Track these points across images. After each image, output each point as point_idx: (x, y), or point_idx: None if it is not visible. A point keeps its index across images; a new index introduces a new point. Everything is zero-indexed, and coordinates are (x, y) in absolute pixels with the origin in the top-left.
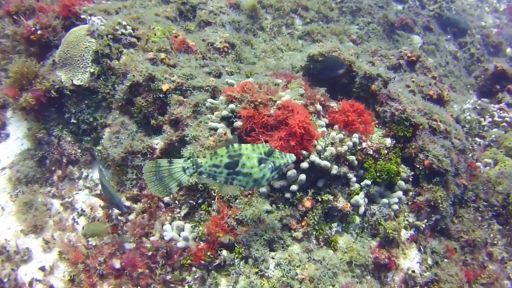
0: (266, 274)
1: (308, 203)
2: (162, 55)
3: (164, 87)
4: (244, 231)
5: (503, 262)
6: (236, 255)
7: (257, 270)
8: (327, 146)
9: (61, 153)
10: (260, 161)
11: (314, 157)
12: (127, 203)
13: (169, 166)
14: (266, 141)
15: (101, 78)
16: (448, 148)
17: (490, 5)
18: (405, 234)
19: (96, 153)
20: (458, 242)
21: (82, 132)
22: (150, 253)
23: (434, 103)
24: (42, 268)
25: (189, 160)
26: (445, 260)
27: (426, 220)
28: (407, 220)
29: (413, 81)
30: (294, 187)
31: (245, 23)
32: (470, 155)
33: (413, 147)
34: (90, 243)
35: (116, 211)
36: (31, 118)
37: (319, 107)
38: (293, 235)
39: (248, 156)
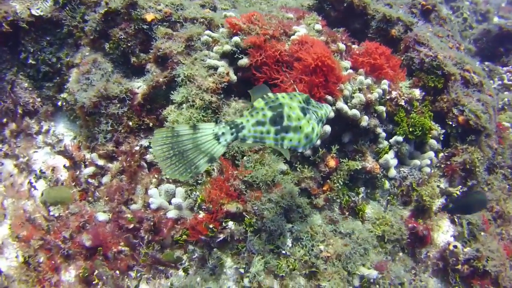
0: (284, 251)
1: (332, 162)
2: None
3: (149, 16)
4: (255, 197)
5: None
6: (247, 228)
7: (272, 247)
8: (354, 92)
9: (15, 102)
10: (303, 111)
11: (341, 104)
12: (100, 162)
13: (193, 133)
14: (281, 82)
15: (67, 8)
16: (485, 102)
17: None
18: (437, 203)
19: (60, 102)
20: (490, 212)
21: (42, 76)
22: (131, 226)
23: None
24: None
25: (223, 123)
26: (482, 233)
27: (460, 186)
28: (438, 186)
29: (431, 31)
30: (316, 142)
31: None
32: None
33: (445, 100)
34: (51, 213)
35: (85, 171)
36: None
37: (342, 45)
38: (314, 202)
39: (290, 106)
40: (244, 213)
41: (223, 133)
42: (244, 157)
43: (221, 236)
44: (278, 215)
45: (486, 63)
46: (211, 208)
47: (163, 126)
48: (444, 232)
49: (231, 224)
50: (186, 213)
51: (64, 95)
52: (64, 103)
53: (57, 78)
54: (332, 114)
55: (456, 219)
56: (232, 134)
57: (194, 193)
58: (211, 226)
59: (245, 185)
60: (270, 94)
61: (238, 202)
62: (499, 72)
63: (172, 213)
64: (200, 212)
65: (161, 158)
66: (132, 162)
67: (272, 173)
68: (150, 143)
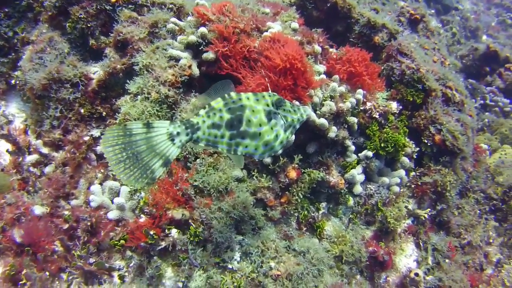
0: (230, 266)
1: (293, 173)
2: None
3: None
4: (205, 204)
5: (498, 265)
6: (191, 238)
7: (218, 260)
8: (325, 100)
9: None
10: (269, 115)
11: (309, 112)
12: (45, 150)
13: (146, 132)
14: (243, 77)
15: None
16: (465, 123)
17: None
18: (403, 225)
19: (14, 81)
20: (458, 238)
21: None
22: (67, 226)
23: None
24: None
25: (178, 122)
26: (447, 260)
27: (429, 209)
28: (406, 207)
29: (416, 42)
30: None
31: None
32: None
33: (423, 116)
34: None
35: (28, 158)
36: None
37: (317, 48)
38: (269, 215)
39: (253, 109)
40: (190, 221)
41: (178, 133)
42: (197, 160)
43: (163, 244)
44: (228, 226)
45: (470, 80)
46: (155, 213)
47: (116, 118)
48: (407, 256)
49: (174, 232)
50: (128, 214)
51: (18, 73)
52: (17, 82)
53: (12, 54)
54: (307, 117)
55: (421, 243)
56: (187, 134)
57: (138, 194)
58: (152, 232)
59: (195, 190)
60: (232, 94)
61: (185, 208)
62: (482, 91)
63: (113, 214)
64: (142, 215)
65: (113, 162)
66: (78, 154)
67: (226, 179)
68: (101, 134)
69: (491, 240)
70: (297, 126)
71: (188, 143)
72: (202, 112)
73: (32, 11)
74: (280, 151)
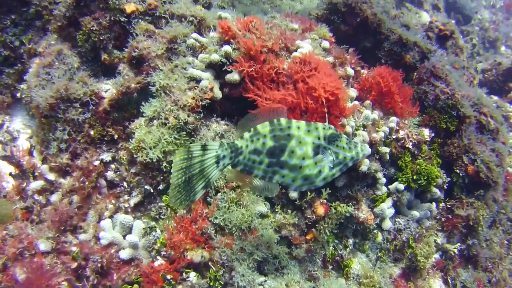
0: None
1: (321, 210)
2: None
3: (129, 7)
4: (226, 244)
5: None
6: (211, 282)
7: None
8: (357, 129)
9: None
10: (317, 149)
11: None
12: (51, 176)
13: (202, 155)
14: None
15: None
16: (500, 153)
17: None
18: (431, 260)
19: (20, 94)
20: (486, 272)
21: (2, 60)
22: (75, 265)
23: None
24: None
25: (226, 145)
26: None
27: (459, 244)
28: (434, 241)
29: (446, 61)
30: (292, 194)
31: None
32: None
33: (456, 145)
34: None
35: (32, 185)
36: None
37: (350, 70)
38: (294, 254)
39: (300, 140)
40: (210, 263)
41: (224, 156)
42: (218, 194)
43: None
44: (250, 268)
45: (494, 97)
46: (172, 255)
47: (130, 141)
48: None
49: (192, 275)
50: (142, 253)
51: (24, 85)
52: (23, 95)
53: (19, 64)
54: (366, 155)
55: (449, 280)
56: (230, 158)
57: (154, 232)
58: (169, 277)
59: (215, 228)
60: (282, 120)
61: (204, 249)
62: (507, 109)
63: (125, 253)
64: (158, 258)
65: (174, 186)
66: (87, 183)
67: (249, 217)
68: (112, 158)
69: None
70: (350, 164)
71: (228, 166)
72: (246, 135)
73: (40, 19)
74: (320, 186)
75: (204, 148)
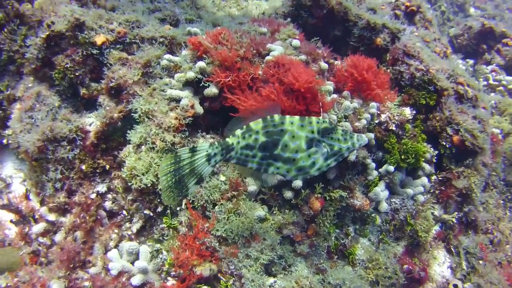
0: None
1: (317, 204)
2: None
3: (99, 39)
4: (231, 254)
5: None
6: None
7: None
8: (339, 121)
9: None
10: (310, 143)
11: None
12: (51, 217)
13: (191, 157)
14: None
15: (6, 29)
16: (482, 119)
17: None
18: (432, 233)
19: (6, 140)
20: (486, 234)
21: None
22: None
23: None
24: None
25: (216, 143)
26: (481, 261)
27: (456, 213)
28: (432, 213)
29: (416, 36)
30: (298, 183)
31: None
32: None
33: (438, 118)
34: None
35: (34, 229)
36: None
37: (324, 65)
38: (298, 251)
39: (294, 135)
40: (219, 275)
41: (215, 154)
42: (216, 207)
43: None
44: (259, 273)
45: (470, 61)
46: (182, 274)
47: (122, 169)
48: (440, 264)
49: None
50: (153, 276)
51: (9, 131)
52: (10, 141)
53: (0, 111)
54: (363, 144)
55: (452, 248)
56: (222, 155)
57: (160, 254)
58: None
59: (218, 240)
60: (275, 117)
61: (212, 262)
62: (483, 71)
63: (137, 280)
64: (169, 278)
65: (165, 188)
66: (88, 218)
67: (249, 223)
68: (108, 188)
69: None
70: (346, 154)
71: (220, 161)
72: (238, 132)
73: (14, 64)
74: (315, 174)
75: (193, 150)
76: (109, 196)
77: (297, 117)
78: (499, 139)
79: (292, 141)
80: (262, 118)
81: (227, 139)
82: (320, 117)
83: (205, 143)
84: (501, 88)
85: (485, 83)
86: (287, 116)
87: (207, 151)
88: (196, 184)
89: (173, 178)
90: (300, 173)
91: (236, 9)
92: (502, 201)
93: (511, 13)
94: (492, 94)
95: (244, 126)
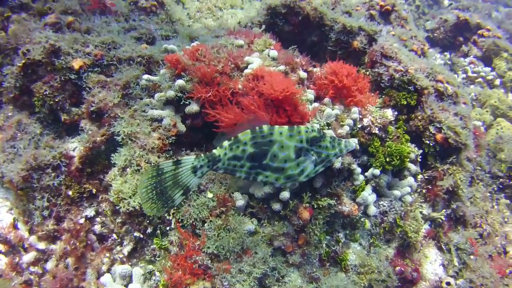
0: None
1: (306, 214)
2: (69, 18)
3: (76, 63)
4: (224, 270)
5: None
6: None
7: None
8: (323, 129)
9: None
10: (299, 152)
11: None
12: (41, 245)
13: (175, 169)
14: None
15: None
16: (463, 116)
17: None
18: (422, 232)
19: None
20: (475, 228)
21: None
22: None
23: None
24: None
25: (202, 156)
26: (472, 256)
27: (444, 210)
28: (421, 212)
29: (393, 35)
30: (285, 194)
31: None
32: None
33: (420, 117)
34: None
35: (25, 258)
36: None
37: (303, 73)
38: (290, 261)
39: (282, 145)
40: None
41: (201, 166)
42: (205, 224)
43: None
44: (252, 287)
45: (447, 55)
46: None
47: (109, 193)
48: (432, 262)
49: None
50: None
51: None
52: None
53: None
54: (351, 149)
55: (443, 246)
56: (208, 166)
57: (154, 276)
58: None
59: (210, 257)
60: (264, 127)
61: (205, 280)
62: (462, 64)
63: None
64: None
65: (144, 200)
66: (78, 243)
67: (239, 238)
68: (96, 212)
69: (506, 220)
70: (333, 160)
71: (208, 172)
72: (226, 144)
73: None
74: (304, 181)
75: (177, 163)
76: (98, 219)
77: (286, 127)
78: (482, 132)
79: (281, 151)
80: (250, 129)
81: (214, 151)
82: (309, 126)
83: (191, 157)
84: (480, 79)
85: (464, 75)
86: (276, 126)
87: (192, 163)
88: (183, 195)
89: (154, 190)
90: (289, 180)
91: (212, 19)
92: (489, 194)
93: (485, 3)
94: (472, 86)
95: (232, 138)
